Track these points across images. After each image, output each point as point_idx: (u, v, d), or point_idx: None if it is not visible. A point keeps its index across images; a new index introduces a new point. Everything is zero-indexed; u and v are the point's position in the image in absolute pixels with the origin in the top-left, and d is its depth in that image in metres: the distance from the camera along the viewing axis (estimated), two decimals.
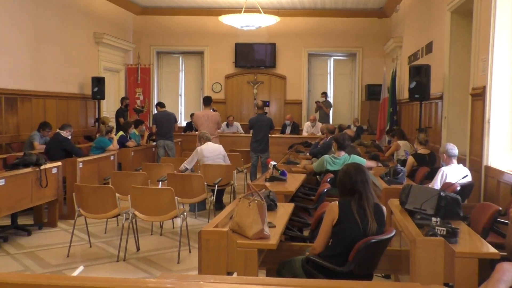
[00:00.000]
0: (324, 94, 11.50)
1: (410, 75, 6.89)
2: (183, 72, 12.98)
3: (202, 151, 6.36)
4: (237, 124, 11.06)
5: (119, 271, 4.19)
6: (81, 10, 9.72)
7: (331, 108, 11.66)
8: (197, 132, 8.39)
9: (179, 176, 5.63)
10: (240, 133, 10.74)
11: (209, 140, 6.48)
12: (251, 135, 8.35)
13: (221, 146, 6.69)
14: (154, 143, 8.81)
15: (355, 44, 12.14)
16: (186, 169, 6.29)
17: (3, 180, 4.74)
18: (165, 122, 8.41)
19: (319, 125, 10.40)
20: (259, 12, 9.52)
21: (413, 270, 2.69)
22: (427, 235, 2.72)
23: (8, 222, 5.53)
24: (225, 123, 10.97)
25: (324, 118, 11.33)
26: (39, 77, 8.23)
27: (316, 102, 11.61)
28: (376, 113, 10.87)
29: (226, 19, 9.53)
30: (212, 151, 6.39)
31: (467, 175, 4.41)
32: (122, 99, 10.41)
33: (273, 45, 12.15)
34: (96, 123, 9.84)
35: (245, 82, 12.41)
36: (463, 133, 5.98)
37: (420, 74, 6.75)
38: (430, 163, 5.49)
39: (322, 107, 11.36)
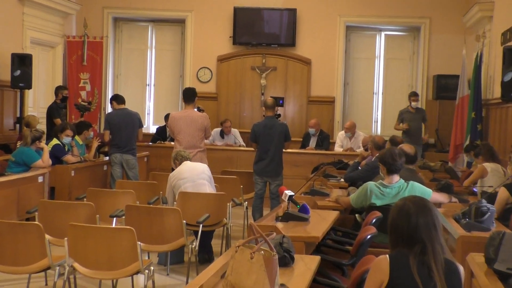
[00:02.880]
0: (415, 95, 10.75)
1: (504, 62, 6.91)
2: (153, 50, 13.08)
3: (176, 174, 6.43)
4: (235, 132, 11.10)
5: None
6: None
7: (424, 120, 10.69)
8: (173, 143, 8.44)
9: (144, 210, 5.63)
10: (240, 146, 10.77)
11: (187, 159, 6.59)
12: (255, 149, 8.37)
13: (205, 164, 6.73)
14: (107, 158, 8.82)
15: (418, 13, 12.22)
16: (150, 202, 6.35)
17: None
18: (124, 126, 8.44)
19: (361, 136, 10.40)
20: None
21: None
22: None
23: None
24: (217, 130, 11.01)
25: (415, 135, 10.42)
26: None
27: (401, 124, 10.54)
28: (450, 120, 10.88)
29: None
30: (191, 170, 6.43)
31: None
32: (58, 89, 10.49)
33: (292, 12, 12.24)
34: (17, 125, 9.90)
35: (248, 67, 12.49)
36: None
37: None
38: None
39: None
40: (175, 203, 6.27)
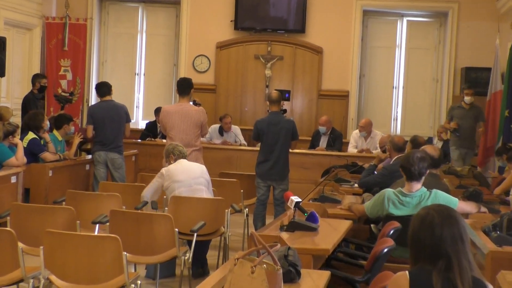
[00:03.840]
0: (468, 88, 10.06)
1: None
2: (143, 34, 13.09)
3: (170, 173, 6.40)
4: (235, 129, 11.09)
5: None
6: None
7: (479, 118, 10.25)
8: (164, 141, 8.43)
9: (131, 215, 5.64)
10: (241, 145, 10.78)
11: (184, 157, 6.55)
12: (258, 148, 8.35)
13: (203, 166, 6.72)
14: (89, 156, 8.82)
15: None
16: (145, 202, 6.31)
17: None
18: (109, 120, 8.45)
19: (378, 135, 10.39)
20: None
21: None
22: None
23: None
24: (215, 127, 11.02)
25: (466, 136, 10.00)
26: None
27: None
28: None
29: None
30: (188, 172, 6.43)
31: None
32: (36, 78, 10.48)
33: None
34: None
35: (251, 56, 12.49)
36: None
37: None
38: None
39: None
40: (166, 208, 6.25)
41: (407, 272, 2.77)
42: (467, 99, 10.14)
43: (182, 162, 6.52)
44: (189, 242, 5.87)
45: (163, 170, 6.51)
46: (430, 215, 2.82)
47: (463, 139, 9.90)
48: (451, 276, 2.72)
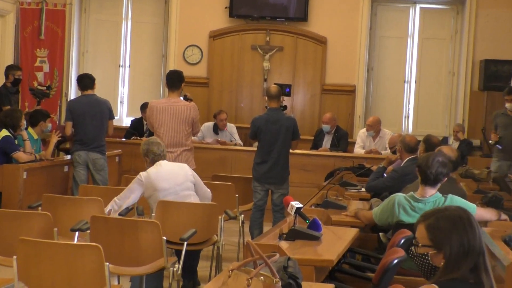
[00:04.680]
0: (509, 93, 9.23)
1: None
2: (129, 22, 13.08)
3: (151, 180, 6.28)
4: (230, 127, 11.10)
5: None
6: None
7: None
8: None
9: (114, 222, 5.63)
10: (236, 145, 10.78)
11: (162, 158, 6.43)
12: (255, 149, 8.36)
13: (185, 166, 6.59)
14: (68, 156, 8.81)
15: None
16: (121, 213, 6.24)
17: None
18: (90, 117, 8.45)
19: (387, 134, 10.40)
20: None
21: None
22: None
23: None
24: (208, 125, 11.05)
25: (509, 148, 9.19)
26: None
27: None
28: None
29: None
30: (171, 178, 6.33)
31: None
32: (9, 70, 10.47)
33: None
34: None
35: (247, 47, 12.51)
36: None
37: None
38: None
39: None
40: (153, 214, 6.24)
41: (435, 285, 2.76)
42: (508, 106, 9.22)
43: (162, 165, 6.37)
44: (179, 252, 5.86)
45: (142, 175, 6.33)
46: (459, 213, 2.85)
47: (508, 151, 9.15)
48: None
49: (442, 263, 2.81)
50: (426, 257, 2.85)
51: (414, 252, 2.93)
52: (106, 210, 6.18)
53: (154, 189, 6.30)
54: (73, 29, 12.65)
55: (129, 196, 6.30)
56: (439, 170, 5.16)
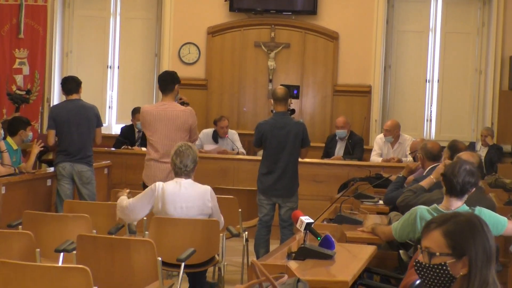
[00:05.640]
0: None
1: None
2: (117, 18, 13.11)
3: (165, 194, 6.20)
4: (232, 134, 11.09)
5: None
6: None
7: None
8: (144, 149, 8.41)
9: (103, 241, 5.63)
10: (239, 154, 10.78)
11: (185, 174, 6.19)
12: (260, 158, 8.37)
13: (208, 191, 6.38)
14: (52, 168, 8.83)
15: None
16: (111, 231, 6.21)
17: None
18: (76, 125, 8.46)
19: (407, 140, 10.39)
20: None
21: None
22: None
23: None
24: (207, 132, 11.05)
25: None
26: None
27: None
28: None
29: None
30: (182, 204, 6.20)
31: None
32: None
33: None
34: None
35: (250, 44, 12.54)
36: None
37: None
38: None
39: None
40: (146, 232, 6.25)
41: None
42: None
43: (182, 186, 6.17)
44: (177, 274, 5.86)
45: (157, 185, 6.17)
46: (472, 217, 2.89)
47: None
48: None
49: (462, 272, 2.81)
50: (444, 268, 2.83)
51: (427, 264, 2.90)
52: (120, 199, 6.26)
53: (165, 203, 6.17)
54: (56, 27, 12.69)
55: (141, 206, 6.18)
56: (466, 180, 5.14)
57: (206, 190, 6.28)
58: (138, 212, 6.24)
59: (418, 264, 2.90)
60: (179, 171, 6.16)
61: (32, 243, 5.54)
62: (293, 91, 10.35)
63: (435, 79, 12.80)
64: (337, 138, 10.69)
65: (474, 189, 5.25)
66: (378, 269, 5.58)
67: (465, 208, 5.20)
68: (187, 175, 6.19)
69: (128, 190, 6.57)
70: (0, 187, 7.77)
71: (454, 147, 7.14)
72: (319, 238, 4.83)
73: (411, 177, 7.39)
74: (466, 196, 5.22)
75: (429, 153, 7.15)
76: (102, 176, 9.60)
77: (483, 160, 8.63)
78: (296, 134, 8.01)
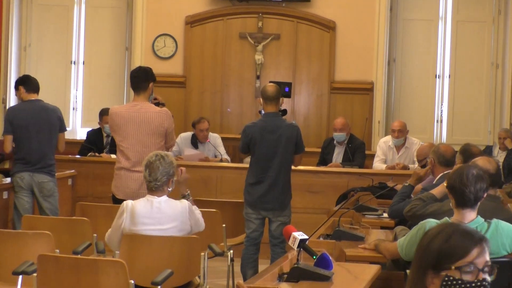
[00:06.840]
0: None
1: None
2: (82, 6, 13.11)
3: (134, 215, 6.19)
4: (214, 139, 11.10)
5: None
6: None
7: None
8: (114, 156, 8.41)
9: (67, 262, 5.64)
10: (222, 161, 10.79)
11: (158, 189, 6.09)
12: (247, 165, 8.40)
13: (186, 204, 6.37)
14: (8, 179, 8.83)
15: None
16: (76, 251, 6.23)
17: None
18: (35, 129, 8.48)
19: (415, 144, 10.43)
20: None
21: None
22: None
23: None
24: (185, 136, 11.08)
25: None
26: None
27: None
28: None
29: None
30: (161, 220, 6.16)
31: None
32: None
33: None
34: None
35: (235, 35, 12.58)
36: None
37: None
38: None
39: None
40: (117, 252, 6.26)
41: None
42: None
43: (154, 205, 6.10)
44: None
45: (127, 205, 6.12)
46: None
47: None
48: None
49: None
50: None
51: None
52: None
53: (135, 221, 6.12)
54: (12, 18, 12.68)
55: (114, 236, 6.18)
56: (478, 186, 5.14)
57: (183, 207, 6.22)
58: (118, 242, 6.23)
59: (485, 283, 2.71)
60: (149, 186, 6.08)
61: None
62: (284, 89, 10.39)
63: (446, 74, 12.87)
64: (335, 142, 10.72)
65: (485, 194, 5.27)
66: None
67: (480, 221, 5.21)
68: (161, 191, 6.11)
69: None
70: None
71: (468, 152, 7.12)
72: (314, 257, 4.85)
73: (419, 186, 7.40)
74: (478, 204, 5.23)
75: (441, 157, 7.15)
76: (65, 187, 9.61)
77: (501, 166, 8.68)
78: (289, 138, 8.03)
